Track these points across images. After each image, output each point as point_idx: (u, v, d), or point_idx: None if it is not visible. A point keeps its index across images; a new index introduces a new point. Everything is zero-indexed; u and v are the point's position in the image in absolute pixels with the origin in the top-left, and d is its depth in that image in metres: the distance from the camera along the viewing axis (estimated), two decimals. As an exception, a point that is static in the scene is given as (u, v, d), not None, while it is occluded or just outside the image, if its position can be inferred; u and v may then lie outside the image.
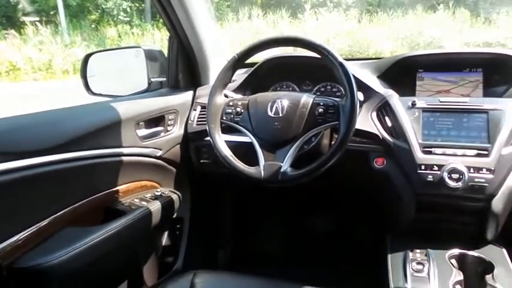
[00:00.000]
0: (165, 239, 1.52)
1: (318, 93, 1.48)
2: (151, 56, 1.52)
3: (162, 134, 1.41)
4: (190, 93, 1.54)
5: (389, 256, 1.18)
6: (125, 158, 1.25)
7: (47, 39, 9.78)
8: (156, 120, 1.39)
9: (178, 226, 1.54)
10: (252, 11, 5.65)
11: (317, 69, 1.29)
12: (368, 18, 6.06)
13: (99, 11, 11.48)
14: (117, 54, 1.71)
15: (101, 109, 1.25)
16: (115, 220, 1.14)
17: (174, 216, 1.48)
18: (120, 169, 1.25)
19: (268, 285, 1.14)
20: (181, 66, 1.53)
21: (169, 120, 1.43)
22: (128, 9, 10.84)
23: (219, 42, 1.65)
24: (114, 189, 1.24)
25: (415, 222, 1.23)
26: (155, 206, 1.28)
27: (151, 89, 1.52)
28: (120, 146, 1.24)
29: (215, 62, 1.58)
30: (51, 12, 11.24)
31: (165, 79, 1.56)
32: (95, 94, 1.51)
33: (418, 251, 1.16)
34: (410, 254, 1.15)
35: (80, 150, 1.09)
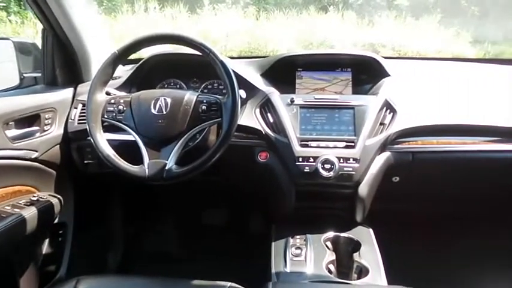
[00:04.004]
0: (45, 247, 1.42)
1: (205, 91, 1.50)
2: (22, 49, 1.40)
3: (38, 135, 1.31)
4: (70, 90, 1.45)
5: (273, 244, 1.25)
6: None
7: None
8: (30, 120, 1.29)
9: (60, 232, 1.45)
10: (149, 4, 5.47)
11: (204, 67, 1.31)
12: (265, 16, 6.24)
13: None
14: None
15: None
16: None
17: (56, 221, 1.39)
18: None
19: (157, 283, 1.13)
20: (59, 61, 1.42)
21: (46, 119, 1.33)
22: (4, -7, 9.65)
23: (104, 36, 1.58)
24: None
25: (296, 211, 1.33)
26: (30, 213, 1.19)
27: (23, 86, 1.40)
28: None
29: (99, 57, 1.50)
30: None
31: (40, 75, 1.44)
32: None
33: (298, 236, 1.25)
34: (291, 240, 1.24)
35: None
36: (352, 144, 1.24)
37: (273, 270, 1.14)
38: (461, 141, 1.30)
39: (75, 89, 1.46)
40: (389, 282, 1.09)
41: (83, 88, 1.45)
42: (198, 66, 1.44)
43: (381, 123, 1.27)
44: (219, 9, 6.12)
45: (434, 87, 1.41)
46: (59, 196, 1.34)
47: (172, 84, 1.52)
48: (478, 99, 1.36)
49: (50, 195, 1.33)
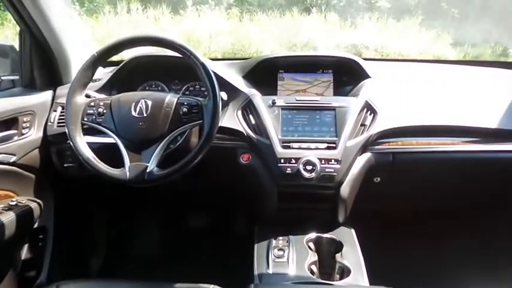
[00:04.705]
0: (25, 252, 1.39)
1: (187, 93, 1.49)
2: (0, 51, 1.37)
3: (16, 138, 1.28)
4: (49, 92, 1.43)
5: (255, 246, 1.25)
6: None
7: None
8: (8, 123, 1.26)
9: (40, 236, 1.42)
10: (131, 5, 5.41)
11: (185, 69, 1.31)
12: (249, 18, 6.24)
13: None
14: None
15: None
16: None
17: (36, 226, 1.37)
18: None
19: (139, 287, 1.12)
20: (37, 63, 1.40)
21: (25, 122, 1.31)
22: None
23: (84, 37, 1.56)
24: None
25: (279, 212, 1.33)
26: (8, 218, 1.17)
27: (1, 88, 1.37)
28: None
29: (79, 59, 1.48)
30: None
31: (18, 77, 1.42)
32: None
33: (281, 238, 1.26)
34: (274, 241, 1.24)
35: None
36: (334, 145, 1.25)
37: (256, 272, 1.14)
38: (440, 141, 1.32)
39: (55, 91, 1.44)
40: (371, 283, 1.10)
41: (63, 90, 1.43)
42: (180, 68, 1.43)
43: (362, 124, 1.28)
44: (202, 11, 6.10)
45: (414, 88, 1.43)
46: (38, 200, 1.32)
47: (153, 86, 1.51)
48: (458, 101, 1.39)
49: (29, 199, 1.30)
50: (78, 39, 1.49)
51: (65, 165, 1.41)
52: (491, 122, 1.33)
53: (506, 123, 1.33)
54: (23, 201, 1.27)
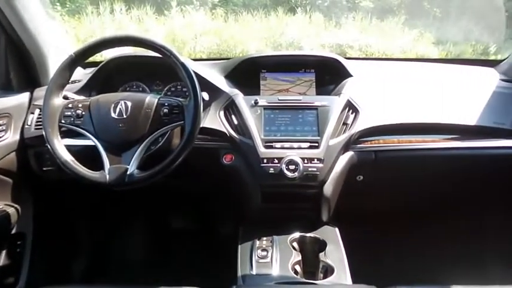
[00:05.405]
0: (2, 258, 1.35)
1: (168, 93, 1.48)
2: (-26, 53, 1.33)
3: None
4: (26, 94, 1.39)
5: (239, 247, 1.24)
6: None
7: None
8: None
9: (19, 242, 1.39)
10: (114, 5, 5.34)
11: (167, 69, 1.29)
12: (234, 18, 6.22)
13: None
14: None
15: None
16: None
17: (13, 231, 1.33)
18: None
19: None
20: (13, 64, 1.37)
21: (0, 125, 1.28)
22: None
23: (64, 38, 1.53)
24: None
25: (262, 212, 1.33)
26: None
27: (-25, 91, 1.33)
28: None
29: (58, 60, 1.45)
30: None
31: (-7, 79, 1.38)
32: None
33: (264, 238, 1.25)
34: (258, 242, 1.24)
35: None
36: (316, 144, 1.24)
37: (239, 273, 1.14)
38: (421, 139, 1.33)
39: (32, 93, 1.41)
40: (354, 281, 1.10)
41: (40, 92, 1.39)
42: (161, 69, 1.41)
43: (344, 123, 1.29)
44: (186, 11, 6.06)
45: (396, 87, 1.44)
46: (15, 205, 1.29)
47: (134, 87, 1.48)
48: (439, 98, 1.40)
49: (6, 204, 1.27)
50: (56, 40, 1.46)
51: (44, 168, 1.38)
52: (472, 119, 1.35)
53: (487, 120, 1.35)
54: (0, 207, 1.24)
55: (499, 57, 1.99)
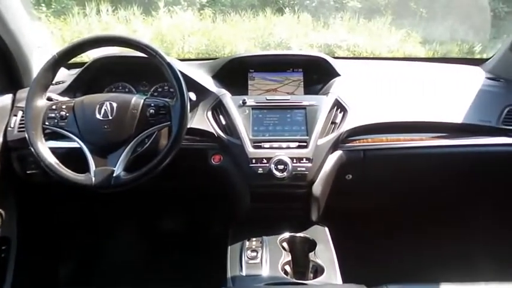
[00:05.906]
0: None
1: (155, 94, 1.46)
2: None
3: None
4: (8, 96, 1.37)
5: (229, 247, 1.23)
6: None
7: None
8: None
9: (3, 247, 1.36)
10: (101, 6, 5.28)
11: (153, 69, 1.28)
12: (222, 18, 6.20)
13: None
14: None
15: None
16: None
17: None
18: None
19: None
20: None
21: None
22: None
23: (48, 39, 1.50)
24: None
25: (252, 212, 1.32)
26: None
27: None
28: None
29: (41, 61, 1.42)
30: None
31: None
32: None
33: (254, 239, 1.24)
34: (247, 242, 1.23)
35: None
36: (305, 144, 1.24)
37: (229, 275, 1.13)
38: (409, 137, 1.34)
39: (15, 95, 1.38)
40: (344, 280, 1.10)
41: (23, 94, 1.36)
42: (148, 69, 1.39)
43: (332, 122, 1.29)
44: (174, 12, 6.02)
45: (383, 86, 1.45)
46: None
47: (120, 88, 1.47)
48: (426, 97, 1.41)
49: None
50: (40, 41, 1.43)
51: (28, 172, 1.35)
52: (459, 117, 1.36)
53: (473, 118, 1.36)
54: (-17, 211, 1.21)
55: (484, 56, 2.01)
